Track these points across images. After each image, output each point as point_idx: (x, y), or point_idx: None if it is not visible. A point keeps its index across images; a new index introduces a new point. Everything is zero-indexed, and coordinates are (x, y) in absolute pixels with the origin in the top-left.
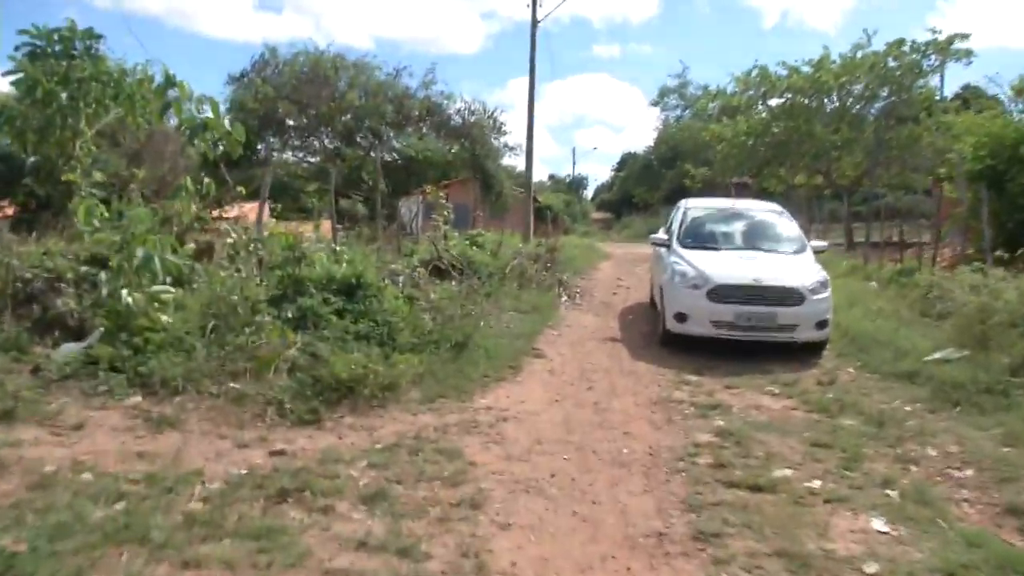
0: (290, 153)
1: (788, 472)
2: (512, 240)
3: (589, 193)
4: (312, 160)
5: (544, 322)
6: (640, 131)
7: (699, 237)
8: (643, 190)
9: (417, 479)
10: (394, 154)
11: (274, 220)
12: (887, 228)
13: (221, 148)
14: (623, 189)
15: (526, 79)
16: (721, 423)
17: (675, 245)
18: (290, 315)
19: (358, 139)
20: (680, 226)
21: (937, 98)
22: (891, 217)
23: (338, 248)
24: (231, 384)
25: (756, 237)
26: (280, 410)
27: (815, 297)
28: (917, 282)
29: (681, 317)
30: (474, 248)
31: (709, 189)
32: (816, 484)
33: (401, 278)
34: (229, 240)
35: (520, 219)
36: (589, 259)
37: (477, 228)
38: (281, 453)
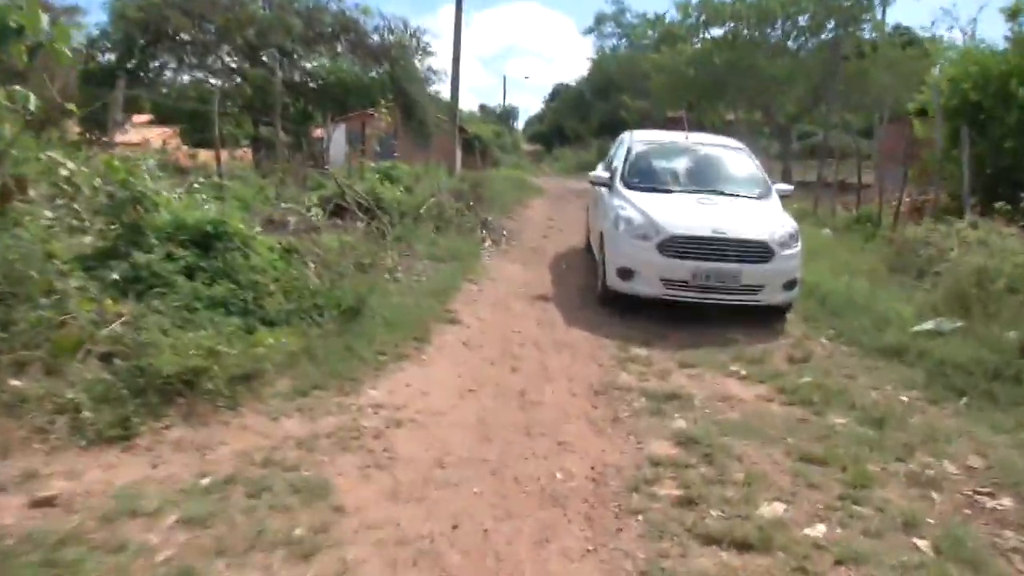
0: (187, 74)
1: (780, 509)
2: (436, 174)
3: (520, 125)
4: (213, 81)
5: (463, 274)
6: (572, 62)
7: (647, 176)
8: (575, 122)
9: (250, 546)
10: (306, 77)
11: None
12: (826, 168)
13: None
14: (555, 121)
15: (451, 8)
16: (682, 424)
17: (618, 185)
18: (117, 277)
19: (263, 58)
20: (624, 163)
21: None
22: (825, 157)
23: (225, 183)
24: (12, 382)
25: (714, 178)
26: (75, 421)
27: (785, 252)
28: (878, 232)
29: (625, 273)
30: (387, 184)
31: (646, 122)
32: (820, 531)
33: (292, 222)
34: (64, 172)
35: (447, 151)
36: (519, 195)
37: (392, 160)
38: (50, 502)
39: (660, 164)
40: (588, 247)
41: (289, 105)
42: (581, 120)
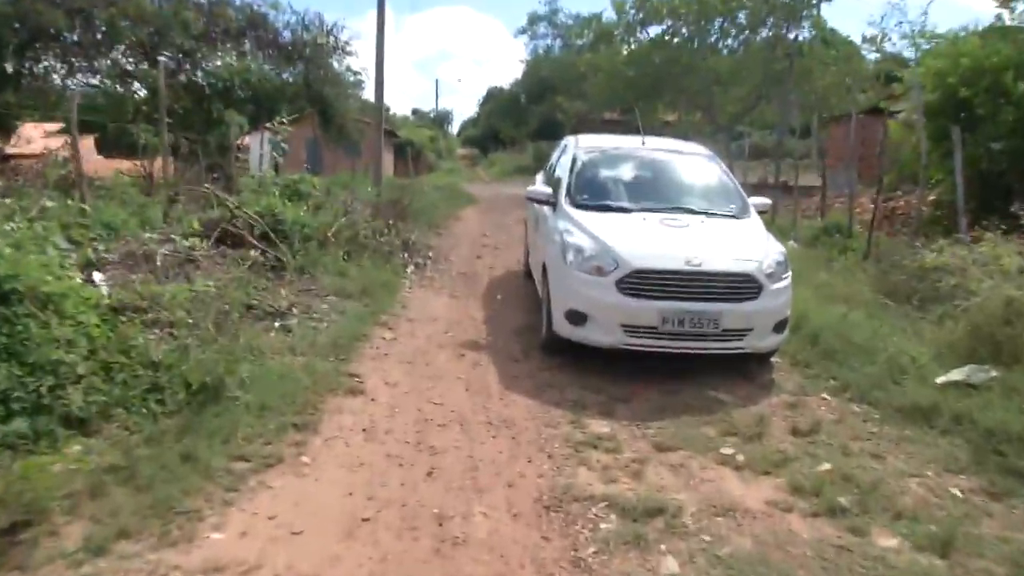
0: (75, 78)
1: None
2: (358, 184)
3: (455, 128)
4: (106, 83)
5: (375, 315)
6: (506, 65)
7: (599, 192)
8: (510, 126)
9: None
10: (210, 79)
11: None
12: (766, 169)
13: None
14: (489, 124)
15: (387, 12)
16: (674, 568)
17: (564, 204)
18: None
19: (161, 58)
20: (570, 176)
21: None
22: (758, 157)
23: (86, 206)
24: None
25: (680, 193)
26: None
27: (774, 286)
28: (850, 244)
29: (576, 317)
30: (292, 200)
31: (583, 125)
32: None
33: (160, 256)
34: None
35: (378, 160)
36: (451, 205)
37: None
38: None
39: (613, 177)
40: (527, 272)
41: (189, 111)
42: (516, 124)
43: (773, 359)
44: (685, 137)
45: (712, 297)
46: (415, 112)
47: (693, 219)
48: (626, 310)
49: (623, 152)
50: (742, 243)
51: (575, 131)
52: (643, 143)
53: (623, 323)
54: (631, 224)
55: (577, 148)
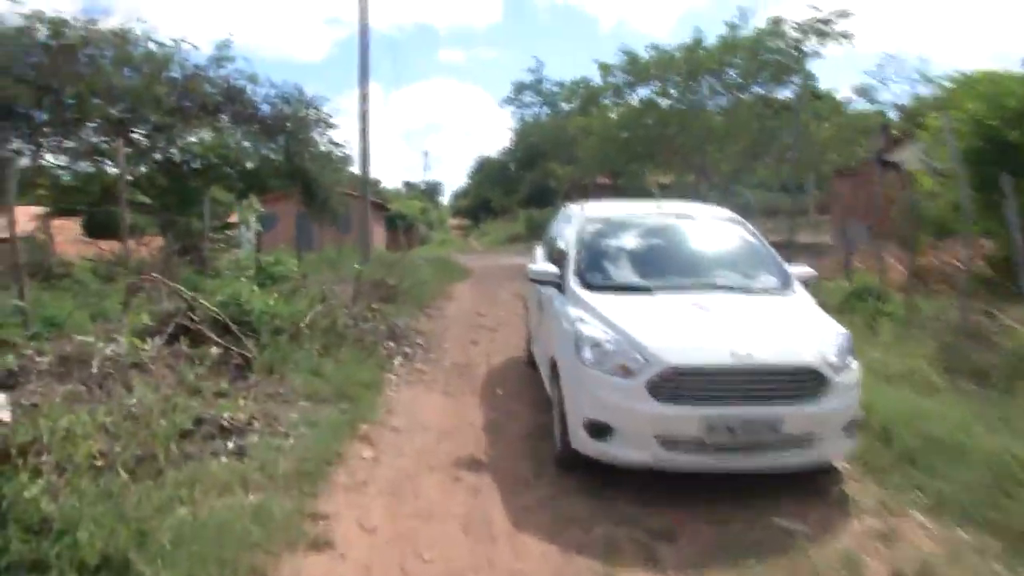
0: (48, 157)
1: None
2: (349, 259)
3: (446, 199)
4: (76, 164)
5: (354, 425)
6: (492, 135)
7: (613, 270)
8: (501, 194)
9: None
10: (186, 155)
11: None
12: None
13: None
14: (479, 194)
15: (375, 86)
16: None
17: (573, 285)
18: None
19: (133, 133)
20: (578, 250)
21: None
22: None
23: (22, 304)
24: None
25: (709, 266)
26: None
27: (842, 379)
28: (884, 309)
29: (598, 430)
30: (267, 284)
31: (575, 190)
32: None
33: (97, 361)
34: None
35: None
36: (443, 279)
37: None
38: None
39: (629, 250)
40: (530, 359)
41: (167, 189)
42: (507, 192)
43: (839, 463)
44: (681, 199)
45: (768, 397)
46: (406, 184)
47: (730, 299)
48: (661, 419)
49: (637, 220)
50: (795, 326)
51: (567, 197)
52: (658, 208)
53: (658, 435)
54: (657, 308)
55: (583, 217)
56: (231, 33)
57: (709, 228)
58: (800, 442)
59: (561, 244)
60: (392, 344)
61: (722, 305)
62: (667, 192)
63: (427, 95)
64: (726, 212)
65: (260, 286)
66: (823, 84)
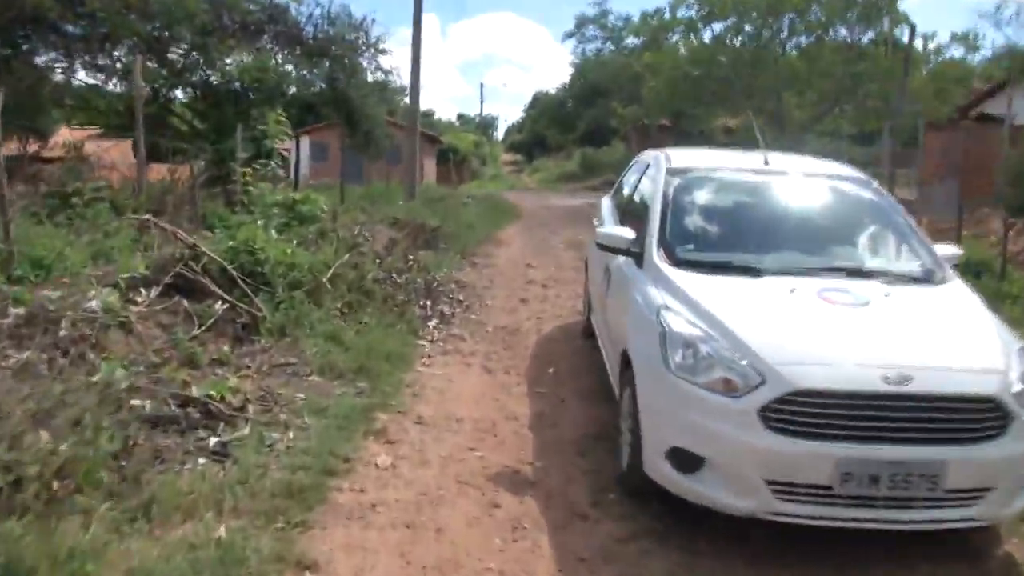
0: (81, 73)
1: None
2: (396, 195)
3: (500, 134)
4: (110, 82)
5: (370, 414)
6: (550, 70)
7: (712, 242)
8: (557, 131)
9: None
10: (225, 77)
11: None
12: None
13: None
14: (535, 130)
15: (432, 16)
16: None
17: (656, 258)
18: None
19: (171, 55)
20: (663, 212)
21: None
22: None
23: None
24: None
25: (837, 242)
26: None
27: None
28: (1010, 291)
29: (686, 461)
30: (290, 226)
31: (635, 132)
32: None
33: (66, 323)
34: None
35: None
36: (491, 221)
37: (308, 186)
38: None
39: (729, 216)
40: (588, 329)
41: (206, 114)
42: (563, 129)
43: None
44: (748, 146)
45: (928, 436)
46: (460, 117)
47: (866, 289)
48: (777, 458)
49: (739, 176)
50: (960, 335)
51: (627, 138)
52: (766, 163)
53: (770, 478)
54: (770, 298)
55: (668, 169)
56: None
57: (832, 190)
58: (968, 497)
59: (637, 201)
60: (428, 302)
61: (858, 298)
62: (734, 139)
63: (486, 28)
64: (851, 170)
65: (286, 227)
66: (919, 27)
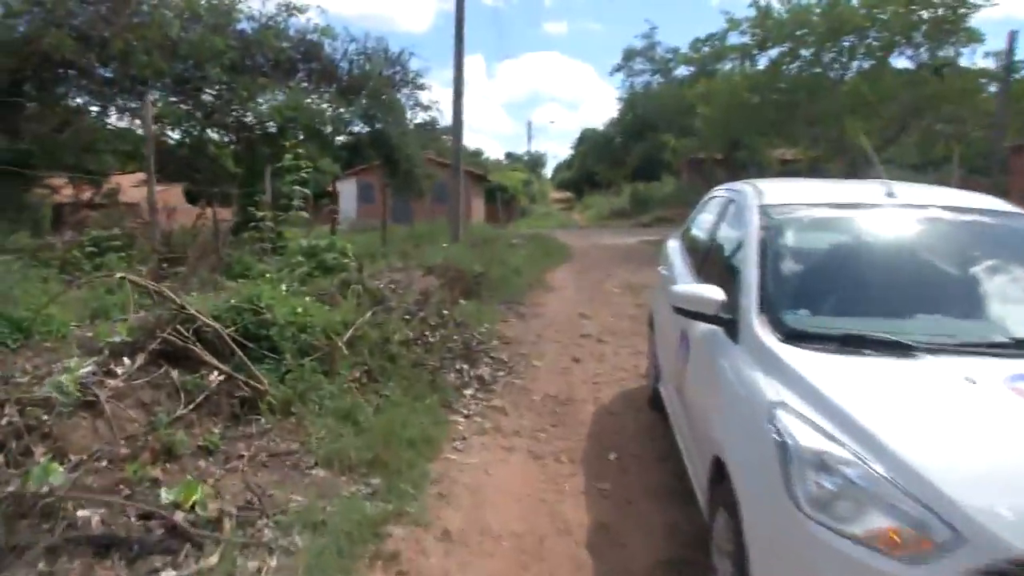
0: (112, 116)
1: None
2: (441, 237)
3: (549, 172)
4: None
5: (380, 529)
6: (596, 107)
7: (831, 303)
8: (606, 167)
9: None
10: (258, 116)
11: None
12: None
13: None
14: (583, 167)
15: (478, 58)
16: None
17: (758, 330)
18: None
19: (204, 96)
20: (760, 263)
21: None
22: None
23: None
24: None
25: (1007, 301)
26: None
27: None
28: None
29: None
30: (315, 275)
31: (692, 165)
32: None
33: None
34: None
35: (467, 206)
36: (540, 263)
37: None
38: None
39: (855, 269)
40: (655, 399)
41: (241, 157)
42: (612, 165)
43: None
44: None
45: None
46: (509, 155)
47: None
48: None
49: (860, 215)
50: None
51: (685, 174)
52: (890, 194)
53: None
54: (942, 393)
55: (762, 208)
56: None
57: (990, 229)
58: None
59: (718, 248)
60: (465, 366)
61: None
62: (795, 172)
63: (531, 67)
64: (1003, 203)
65: (308, 277)
66: (990, 44)
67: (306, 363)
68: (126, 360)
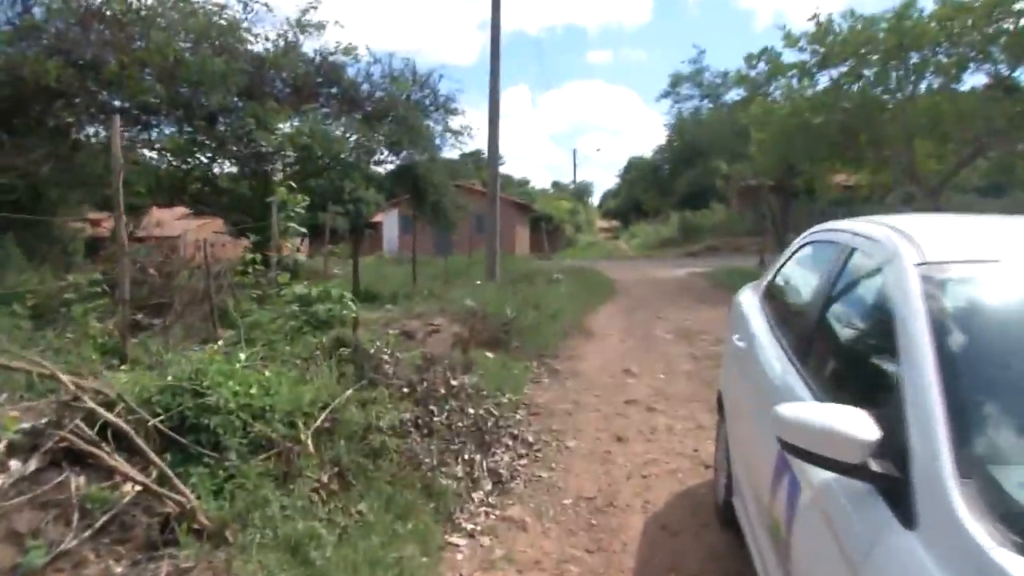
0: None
1: None
2: (472, 270)
3: (595, 200)
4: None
5: None
6: (642, 135)
7: None
8: (653, 195)
9: None
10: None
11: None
12: None
13: None
14: (630, 195)
15: (522, 88)
16: None
17: (961, 514)
18: None
19: (221, 123)
20: (941, 375)
21: None
22: None
23: None
24: None
25: None
26: None
27: None
28: None
29: None
30: (305, 330)
31: (740, 194)
32: None
33: None
34: None
35: (510, 237)
36: (580, 303)
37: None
38: None
39: None
40: (728, 512)
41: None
42: (660, 192)
43: None
44: (877, 208)
45: None
46: (555, 184)
47: None
48: None
49: None
50: None
51: (736, 202)
52: None
53: None
54: None
55: (927, 275)
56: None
57: None
58: None
59: (842, 330)
60: (476, 455)
61: None
62: (857, 199)
63: (576, 96)
64: None
65: (298, 332)
66: None
67: (254, 465)
68: (13, 465)
